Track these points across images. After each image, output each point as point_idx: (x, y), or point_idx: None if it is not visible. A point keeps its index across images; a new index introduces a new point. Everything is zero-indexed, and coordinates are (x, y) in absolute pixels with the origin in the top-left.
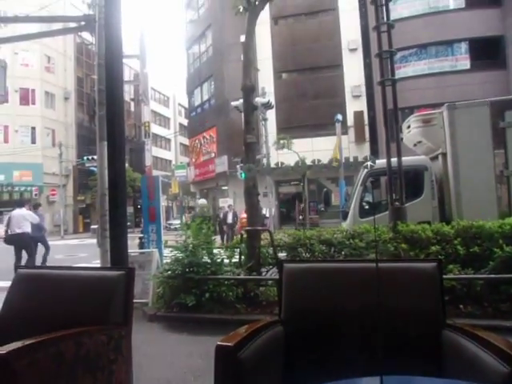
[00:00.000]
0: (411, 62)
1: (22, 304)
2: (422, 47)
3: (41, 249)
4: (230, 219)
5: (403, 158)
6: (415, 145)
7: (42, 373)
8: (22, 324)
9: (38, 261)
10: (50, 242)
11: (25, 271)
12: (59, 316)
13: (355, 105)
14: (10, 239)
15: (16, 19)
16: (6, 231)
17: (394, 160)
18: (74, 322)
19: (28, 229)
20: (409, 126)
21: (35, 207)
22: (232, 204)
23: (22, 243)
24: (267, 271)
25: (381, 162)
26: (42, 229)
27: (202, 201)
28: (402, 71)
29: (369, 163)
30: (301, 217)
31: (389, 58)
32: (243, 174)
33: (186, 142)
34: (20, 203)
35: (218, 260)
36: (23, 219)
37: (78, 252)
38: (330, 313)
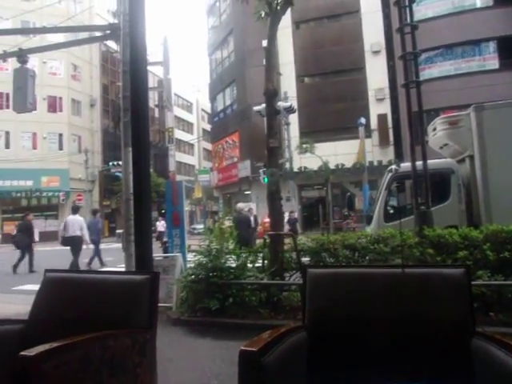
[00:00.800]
0: (436, 62)
1: (50, 307)
2: (448, 47)
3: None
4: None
5: (429, 161)
6: (441, 147)
7: (70, 374)
8: (50, 326)
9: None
10: None
11: (53, 275)
12: (86, 319)
13: (379, 108)
14: (65, 241)
15: (44, 30)
16: (63, 234)
17: (419, 163)
18: (100, 325)
19: (79, 232)
20: (435, 129)
21: (94, 213)
22: (252, 207)
23: (75, 244)
24: (290, 276)
25: (406, 166)
26: (98, 232)
27: (241, 204)
28: (426, 72)
29: (393, 167)
30: (350, 221)
31: (413, 59)
32: (266, 179)
33: (209, 147)
34: (74, 210)
35: (241, 264)
36: (77, 224)
37: (103, 256)
38: (355, 319)
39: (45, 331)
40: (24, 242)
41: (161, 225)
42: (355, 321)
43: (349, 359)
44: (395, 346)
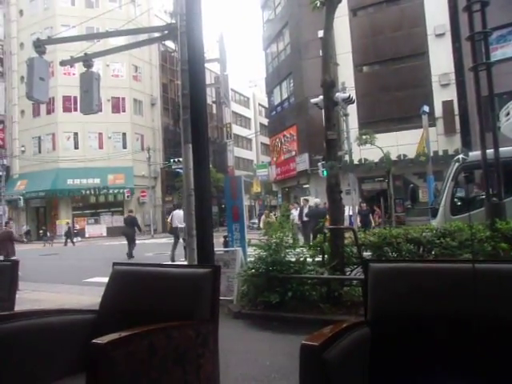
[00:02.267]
0: (511, 41)
1: (119, 298)
2: None
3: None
4: (304, 216)
5: (501, 149)
6: None
7: (137, 363)
8: (119, 317)
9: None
10: (141, 241)
11: (120, 268)
12: (151, 310)
13: (444, 94)
14: (171, 231)
15: (107, 34)
16: (170, 225)
17: (490, 151)
18: (165, 317)
19: (180, 224)
20: (508, 113)
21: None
22: (307, 198)
23: (176, 234)
24: (351, 271)
25: (475, 155)
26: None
27: (317, 200)
28: (499, 53)
29: (460, 156)
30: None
31: (483, 39)
32: (325, 172)
33: (267, 141)
34: (178, 206)
35: (301, 259)
36: (179, 217)
37: (166, 250)
38: (421, 316)
39: (114, 321)
40: (130, 233)
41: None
42: (420, 317)
43: (414, 358)
44: (464, 347)
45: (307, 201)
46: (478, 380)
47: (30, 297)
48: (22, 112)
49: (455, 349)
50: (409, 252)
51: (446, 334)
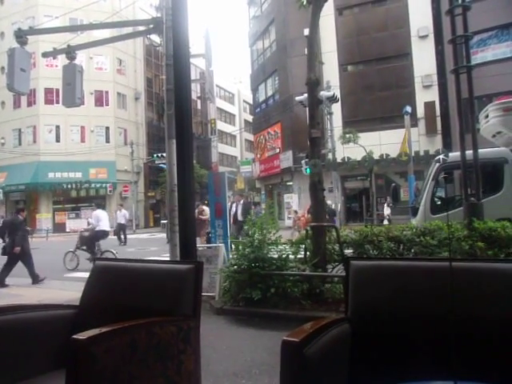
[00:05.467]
0: (490, 45)
1: (99, 294)
2: (504, 28)
3: None
4: (239, 215)
5: (480, 151)
6: (494, 136)
7: (118, 358)
8: (100, 312)
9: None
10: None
11: (102, 263)
12: (132, 306)
13: (426, 95)
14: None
15: (91, 26)
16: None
17: (469, 153)
18: (146, 313)
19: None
20: (487, 116)
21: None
22: (243, 194)
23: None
24: (333, 268)
25: (454, 155)
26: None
27: (328, 201)
28: (479, 56)
29: (441, 156)
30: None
31: (464, 43)
32: (308, 170)
33: (251, 138)
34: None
35: (284, 256)
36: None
37: (148, 246)
38: (400, 313)
39: (95, 317)
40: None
41: (121, 215)
42: (399, 314)
43: (393, 354)
44: (442, 343)
45: (242, 196)
46: (454, 376)
47: (10, 292)
48: (3, 103)
49: (433, 345)
50: (389, 250)
51: (423, 330)
